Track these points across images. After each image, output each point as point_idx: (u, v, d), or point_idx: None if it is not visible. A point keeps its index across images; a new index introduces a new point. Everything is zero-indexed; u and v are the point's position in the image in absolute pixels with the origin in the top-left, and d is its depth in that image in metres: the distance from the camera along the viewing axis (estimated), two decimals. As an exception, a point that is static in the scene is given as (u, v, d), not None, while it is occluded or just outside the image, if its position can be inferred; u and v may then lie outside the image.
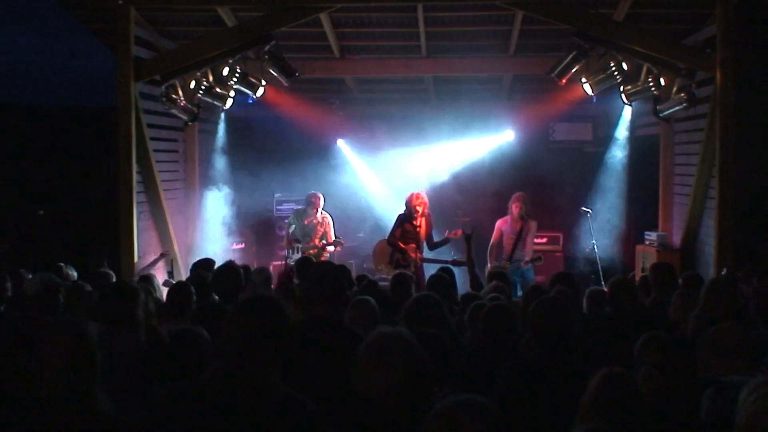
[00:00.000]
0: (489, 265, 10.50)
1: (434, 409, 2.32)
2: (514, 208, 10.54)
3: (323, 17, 10.34)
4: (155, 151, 10.33)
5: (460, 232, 10.16)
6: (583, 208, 11.72)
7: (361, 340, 4.22)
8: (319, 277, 4.51)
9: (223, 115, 12.11)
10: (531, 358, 4.30)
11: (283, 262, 11.44)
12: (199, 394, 2.84)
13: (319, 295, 4.43)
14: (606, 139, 13.50)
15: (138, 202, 9.61)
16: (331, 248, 11.21)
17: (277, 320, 2.97)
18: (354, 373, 2.55)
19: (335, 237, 11.19)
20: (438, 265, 8.93)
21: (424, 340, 3.59)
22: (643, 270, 10.76)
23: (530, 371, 4.04)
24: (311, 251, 10.91)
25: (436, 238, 10.67)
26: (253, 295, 3.27)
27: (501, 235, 10.70)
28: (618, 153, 12.66)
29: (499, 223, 10.80)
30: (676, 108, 9.80)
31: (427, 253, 10.58)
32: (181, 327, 4.56)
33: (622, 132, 12.51)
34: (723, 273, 8.24)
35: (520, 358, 4.41)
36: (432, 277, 7.33)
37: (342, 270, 6.45)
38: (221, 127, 12.55)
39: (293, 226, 11.27)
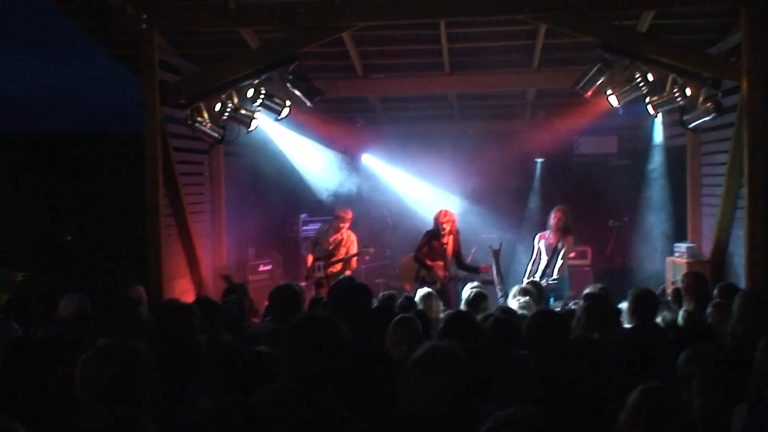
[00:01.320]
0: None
1: (489, 421, 2.29)
2: (553, 219, 10.56)
3: (346, 36, 10.38)
4: (181, 174, 10.38)
5: (488, 268, 10.09)
6: (611, 222, 11.63)
7: (384, 359, 4.21)
8: (341, 296, 4.47)
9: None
10: (526, 370, 4.24)
11: (307, 282, 11.39)
12: (249, 416, 2.78)
13: (342, 314, 4.40)
14: (632, 152, 13.43)
15: (165, 226, 9.64)
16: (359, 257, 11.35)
17: (334, 340, 2.96)
18: (402, 385, 2.52)
19: (364, 246, 11.31)
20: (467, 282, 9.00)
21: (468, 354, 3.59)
22: (673, 282, 10.65)
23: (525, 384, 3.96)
24: (336, 266, 11.03)
25: (465, 257, 10.67)
26: (307, 315, 3.23)
27: (539, 251, 10.71)
28: (647, 164, 12.57)
29: (538, 237, 10.83)
30: (703, 118, 9.70)
31: (455, 271, 10.54)
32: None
33: (654, 142, 12.42)
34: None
35: (514, 372, 4.35)
36: (470, 295, 7.36)
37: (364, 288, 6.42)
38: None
39: (318, 245, 11.38)
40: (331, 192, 13.35)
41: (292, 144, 12.79)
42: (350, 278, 4.81)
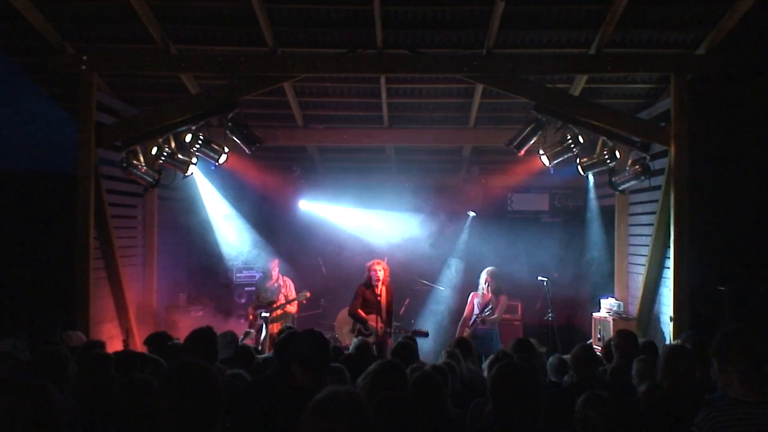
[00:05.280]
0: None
1: None
2: (484, 284, 10.69)
3: (287, 87, 10.48)
4: (114, 217, 10.23)
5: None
6: (540, 277, 11.82)
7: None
8: (322, 347, 4.45)
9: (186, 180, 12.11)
10: (485, 425, 4.29)
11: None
12: None
13: (319, 365, 4.38)
14: (563, 210, 13.75)
15: (94, 269, 9.44)
16: (291, 307, 11.35)
17: (212, 387, 3.00)
18: (301, 428, 2.52)
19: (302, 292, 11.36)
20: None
21: (390, 402, 3.61)
22: (599, 338, 10.84)
23: None
24: (278, 312, 11.02)
25: (396, 308, 10.75)
26: (185, 362, 3.28)
27: (473, 309, 10.82)
28: (577, 223, 12.87)
29: (471, 296, 10.93)
30: (632, 180, 10.00)
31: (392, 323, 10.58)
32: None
33: (587, 201, 12.74)
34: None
35: (474, 427, 4.40)
36: (397, 345, 7.33)
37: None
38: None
39: (259, 295, 11.40)
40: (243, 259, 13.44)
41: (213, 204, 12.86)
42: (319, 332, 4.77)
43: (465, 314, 10.89)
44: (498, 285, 10.72)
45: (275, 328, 10.80)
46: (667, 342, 9.00)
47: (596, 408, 4.35)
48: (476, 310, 10.74)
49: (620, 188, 10.62)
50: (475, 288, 10.92)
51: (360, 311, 10.23)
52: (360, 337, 7.83)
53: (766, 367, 3.68)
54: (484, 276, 10.76)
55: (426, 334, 10.35)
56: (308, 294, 11.51)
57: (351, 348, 7.36)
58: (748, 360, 3.65)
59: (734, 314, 9.64)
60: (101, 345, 7.61)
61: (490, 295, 10.66)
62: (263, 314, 11.12)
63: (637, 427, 4.74)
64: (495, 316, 10.61)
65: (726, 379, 3.72)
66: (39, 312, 11.31)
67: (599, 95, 10.61)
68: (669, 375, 4.96)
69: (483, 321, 10.44)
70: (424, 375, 4.90)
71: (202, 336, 5.83)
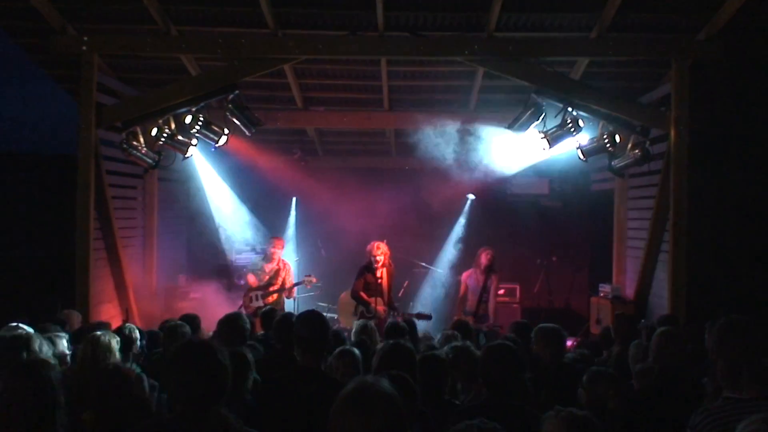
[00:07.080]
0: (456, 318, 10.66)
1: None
2: (483, 259, 10.75)
3: (287, 69, 10.47)
4: (114, 198, 10.26)
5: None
6: (539, 261, 11.88)
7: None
8: (320, 329, 4.48)
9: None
10: (478, 403, 4.34)
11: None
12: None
13: (318, 347, 4.41)
14: (562, 194, 13.76)
15: (94, 250, 9.47)
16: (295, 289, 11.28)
17: (218, 365, 3.08)
18: (331, 421, 2.54)
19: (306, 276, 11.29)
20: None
21: (396, 383, 3.66)
22: (597, 321, 10.89)
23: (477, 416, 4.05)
24: (273, 296, 10.96)
25: (395, 291, 10.78)
26: (187, 342, 3.34)
27: (467, 288, 10.87)
28: (576, 207, 12.88)
29: (464, 276, 11.00)
30: (631, 164, 10.01)
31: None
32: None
33: (576, 186, 12.74)
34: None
35: (466, 404, 4.45)
36: (388, 325, 7.37)
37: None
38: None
39: (254, 275, 11.27)
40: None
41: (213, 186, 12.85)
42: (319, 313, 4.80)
43: (459, 294, 10.99)
44: (492, 265, 10.81)
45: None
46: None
47: (605, 384, 4.44)
48: (470, 292, 10.82)
49: (618, 171, 10.61)
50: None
51: (362, 293, 10.28)
52: (362, 320, 7.86)
53: (765, 360, 3.63)
54: (484, 253, 10.83)
55: (429, 317, 10.42)
56: (314, 279, 11.45)
57: (353, 331, 7.39)
58: (746, 354, 3.61)
59: (731, 301, 9.66)
60: (106, 327, 7.68)
61: (484, 275, 10.74)
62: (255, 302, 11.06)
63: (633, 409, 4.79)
64: (491, 305, 10.73)
65: (723, 372, 3.69)
66: (38, 292, 11.37)
67: (601, 78, 10.59)
68: (660, 358, 5.02)
69: (489, 327, 10.47)
70: (430, 356, 4.95)
71: (236, 319, 6.28)
